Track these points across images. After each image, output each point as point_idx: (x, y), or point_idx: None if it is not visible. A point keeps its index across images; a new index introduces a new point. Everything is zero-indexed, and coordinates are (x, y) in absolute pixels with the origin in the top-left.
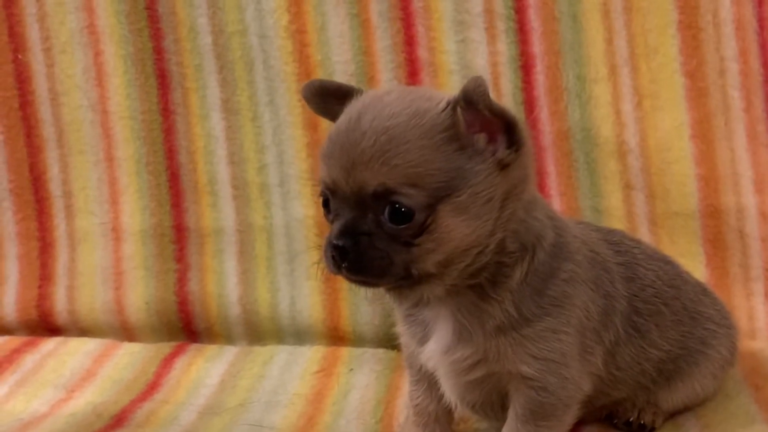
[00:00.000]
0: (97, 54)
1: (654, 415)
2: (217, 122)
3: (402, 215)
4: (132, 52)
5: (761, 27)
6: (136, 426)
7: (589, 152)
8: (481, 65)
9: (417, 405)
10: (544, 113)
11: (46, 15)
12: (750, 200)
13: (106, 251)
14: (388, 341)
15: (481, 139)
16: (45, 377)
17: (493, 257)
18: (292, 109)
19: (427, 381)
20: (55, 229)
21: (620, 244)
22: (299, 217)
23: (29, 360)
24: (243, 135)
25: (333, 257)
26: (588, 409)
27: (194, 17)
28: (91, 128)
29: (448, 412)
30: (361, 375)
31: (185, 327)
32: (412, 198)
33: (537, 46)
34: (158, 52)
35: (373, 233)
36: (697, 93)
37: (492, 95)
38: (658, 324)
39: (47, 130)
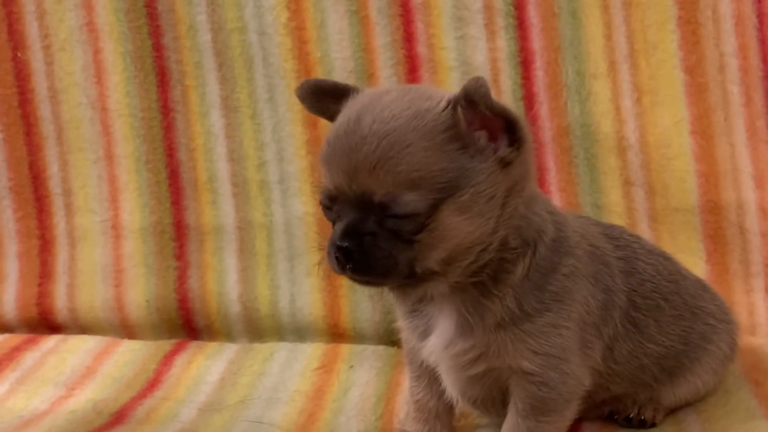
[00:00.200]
0: (97, 51)
1: (654, 411)
2: (216, 119)
3: (405, 214)
4: (131, 49)
5: (761, 23)
6: (137, 423)
7: (589, 148)
8: (480, 62)
9: (418, 401)
10: (543, 109)
11: (45, 13)
12: (750, 196)
13: (106, 249)
14: (389, 338)
15: (482, 137)
16: (45, 375)
17: (496, 254)
18: (291, 106)
19: (428, 377)
20: (54, 227)
21: (620, 238)
22: (299, 214)
23: (29, 358)
24: (242, 132)
25: (337, 258)
26: (588, 405)
27: (193, 14)
28: (91, 126)
29: (449, 407)
30: (362, 372)
31: (185, 324)
32: (415, 200)
33: (536, 43)
34: (157, 49)
35: (376, 233)
36: (697, 89)
37: (492, 92)
38: (657, 319)
39: (47, 128)
